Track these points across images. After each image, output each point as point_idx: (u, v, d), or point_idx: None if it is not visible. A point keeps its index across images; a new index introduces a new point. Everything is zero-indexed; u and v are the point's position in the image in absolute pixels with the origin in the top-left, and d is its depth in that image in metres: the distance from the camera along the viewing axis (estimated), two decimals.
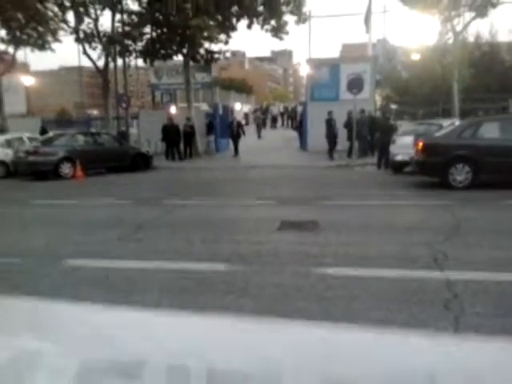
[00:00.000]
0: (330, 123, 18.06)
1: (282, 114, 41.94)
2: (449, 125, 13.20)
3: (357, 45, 73.42)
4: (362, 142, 17.93)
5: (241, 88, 71.21)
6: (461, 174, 10.74)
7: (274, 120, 41.58)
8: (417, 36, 28.38)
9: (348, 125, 18.18)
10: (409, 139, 13.19)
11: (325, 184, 12.98)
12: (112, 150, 17.16)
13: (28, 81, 30.50)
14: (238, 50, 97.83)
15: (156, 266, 5.74)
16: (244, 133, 22.22)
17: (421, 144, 11.03)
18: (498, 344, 0.85)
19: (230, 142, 21.83)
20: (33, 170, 15.78)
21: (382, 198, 10.18)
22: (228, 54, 22.35)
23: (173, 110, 23.36)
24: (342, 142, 18.82)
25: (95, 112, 52.30)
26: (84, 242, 7.08)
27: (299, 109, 39.16)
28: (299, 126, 24.51)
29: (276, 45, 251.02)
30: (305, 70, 25.05)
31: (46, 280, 5.32)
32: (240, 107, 51.28)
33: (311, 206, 9.44)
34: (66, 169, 15.69)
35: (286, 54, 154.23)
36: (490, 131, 10.87)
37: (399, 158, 13.78)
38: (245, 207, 9.61)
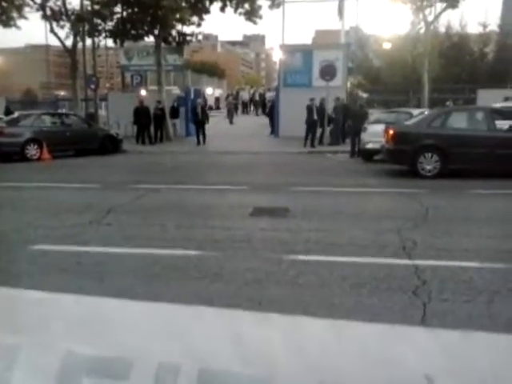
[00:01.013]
0: (310, 109, 17.89)
1: (250, 100, 41.58)
2: (418, 114, 13.41)
3: (330, 31, 73.56)
4: (336, 129, 17.94)
5: (213, 72, 70.49)
6: (429, 163, 10.95)
7: (245, 105, 41.28)
8: (389, 25, 28.61)
9: (320, 111, 18.23)
10: (379, 127, 13.33)
11: (296, 170, 13.04)
12: (80, 132, 16.76)
13: None
14: (210, 33, 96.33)
15: (128, 251, 5.68)
16: (208, 119, 21.06)
17: (391, 132, 11.18)
18: (497, 339, 0.87)
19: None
20: None
21: (352, 185, 10.30)
22: (200, 37, 22.02)
23: (143, 92, 22.95)
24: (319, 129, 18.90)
25: (62, 93, 50.94)
26: (53, 226, 6.94)
27: (268, 95, 39.14)
28: (270, 112, 24.42)
29: (248, 29, 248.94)
30: (277, 56, 24.96)
31: (14, 266, 5.19)
32: (212, 91, 50.83)
33: (283, 193, 9.48)
34: (32, 150, 15.26)
35: (259, 39, 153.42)
36: (459, 121, 11.10)
37: (370, 145, 13.92)
38: (217, 192, 9.58)
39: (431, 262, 5.16)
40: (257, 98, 40.97)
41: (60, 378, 0.94)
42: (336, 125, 17.73)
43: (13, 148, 15.06)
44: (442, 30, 27.75)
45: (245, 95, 42.95)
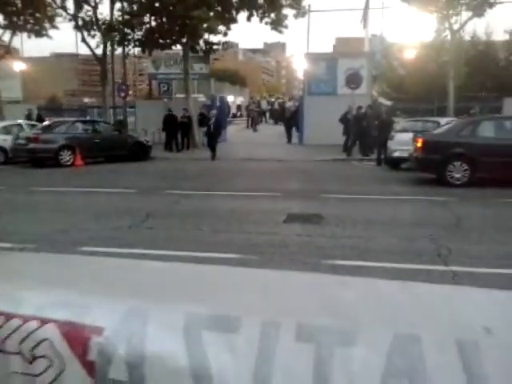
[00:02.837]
0: (359, 118, 17.45)
1: (269, 110, 41.85)
2: (446, 123, 13.47)
3: (351, 39, 73.64)
4: (368, 138, 17.22)
5: (234, 79, 71.03)
6: (458, 171, 11.02)
7: (264, 114, 41.65)
8: (413, 33, 28.63)
9: (345, 119, 18.36)
10: (407, 136, 13.42)
11: (325, 178, 13.20)
12: (111, 139, 17.21)
13: (19, 66, 30.17)
14: (231, 40, 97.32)
15: (172, 254, 5.91)
16: (220, 133, 19.32)
17: (420, 141, 11.29)
18: None
19: (225, 134, 21.74)
20: (32, 157, 15.83)
21: (382, 193, 10.42)
22: (227, 46, 22.42)
23: (163, 100, 23.33)
24: (337, 137, 19.00)
25: (86, 100, 51.95)
26: (96, 229, 7.25)
27: (288, 104, 39.24)
28: (288, 121, 24.37)
29: (269, 37, 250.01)
30: (301, 64, 25.20)
31: None
32: (233, 99, 51.30)
33: (314, 199, 9.66)
34: (65, 156, 15.74)
35: (279, 47, 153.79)
36: (488, 130, 11.16)
37: (397, 154, 14.01)
38: (250, 199, 9.81)
39: (468, 269, 5.29)
40: (276, 106, 41.20)
41: (185, 331, 1.17)
42: (367, 134, 17.28)
43: (47, 154, 15.57)
44: (468, 37, 27.67)
45: (264, 104, 43.32)
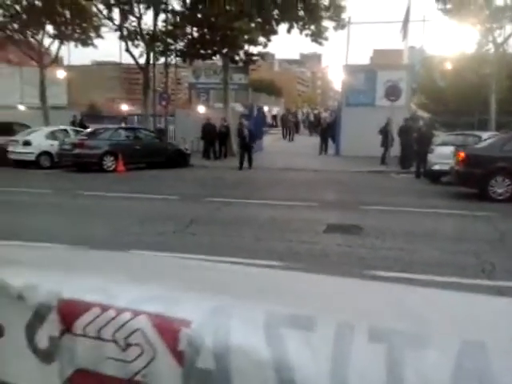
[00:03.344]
0: (406, 130, 17.34)
1: (304, 121, 42.00)
2: (489, 137, 13.29)
3: (388, 51, 73.14)
4: (409, 151, 16.87)
5: (270, 90, 71.52)
6: (501, 186, 10.86)
7: (298, 125, 41.80)
8: (453, 45, 28.28)
9: (384, 131, 18.31)
10: (448, 149, 13.30)
11: (363, 189, 13.20)
12: (152, 146, 17.68)
13: (62, 74, 31.23)
14: (267, 51, 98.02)
15: (213, 259, 6.08)
16: (254, 142, 19.62)
17: (462, 155, 11.18)
18: None
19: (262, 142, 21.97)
20: (77, 162, 16.40)
21: (422, 206, 10.35)
22: (266, 57, 22.70)
23: (201, 109, 23.71)
24: (375, 148, 18.93)
25: (126, 107, 53.20)
26: (142, 233, 7.50)
27: (323, 115, 39.30)
28: (325, 131, 24.37)
29: (305, 47, 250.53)
30: (337, 75, 25.24)
31: None
32: (267, 109, 51.66)
33: (353, 210, 9.69)
34: (108, 162, 16.25)
35: (315, 57, 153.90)
36: None
37: (437, 167, 13.90)
38: (288, 208, 9.92)
39: None
40: (311, 118, 41.31)
41: (265, 327, 1.30)
42: (408, 146, 16.73)
43: (91, 159, 16.12)
44: (511, 50, 27.10)
45: (300, 114, 43.56)
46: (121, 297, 1.42)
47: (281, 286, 1.52)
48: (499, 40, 21.20)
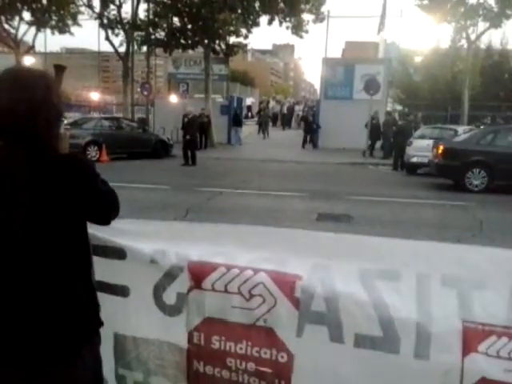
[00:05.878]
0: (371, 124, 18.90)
1: (280, 114, 39.84)
2: (464, 131, 13.94)
3: (360, 43, 73.92)
4: (387, 143, 18.40)
5: (243, 80, 71.47)
6: (477, 178, 11.49)
7: (276, 118, 38.79)
8: (428, 40, 29.01)
9: (370, 125, 19.01)
10: (425, 142, 13.91)
11: (346, 180, 13.69)
12: (135, 136, 17.72)
13: (29, 61, 30.47)
14: (247, 42, 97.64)
15: None
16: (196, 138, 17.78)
17: (441, 148, 11.75)
18: None
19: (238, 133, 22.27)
20: None
21: (403, 196, 10.88)
22: (246, 48, 22.93)
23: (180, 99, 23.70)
24: (353, 141, 19.52)
25: (95, 95, 52.27)
26: None
27: (297, 108, 38.48)
28: (310, 125, 24.59)
29: (278, 38, 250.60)
30: (309, 67, 25.63)
31: None
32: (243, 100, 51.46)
33: (341, 200, 10.13)
34: (92, 152, 16.21)
35: (288, 48, 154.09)
36: (508, 139, 11.61)
37: (415, 159, 14.48)
38: (279, 198, 10.28)
39: None
40: (285, 111, 39.28)
41: (360, 278, 1.70)
42: (386, 139, 18.26)
43: (74, 149, 15.99)
44: (483, 47, 28.06)
45: (276, 107, 42.11)
46: (239, 259, 1.76)
47: (360, 246, 1.84)
48: (472, 37, 21.97)
